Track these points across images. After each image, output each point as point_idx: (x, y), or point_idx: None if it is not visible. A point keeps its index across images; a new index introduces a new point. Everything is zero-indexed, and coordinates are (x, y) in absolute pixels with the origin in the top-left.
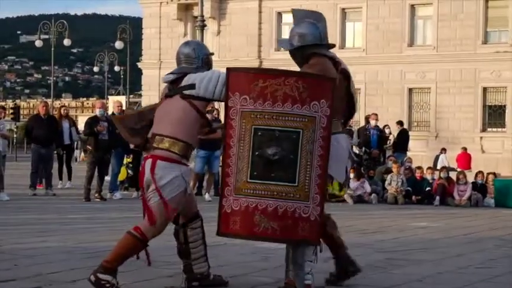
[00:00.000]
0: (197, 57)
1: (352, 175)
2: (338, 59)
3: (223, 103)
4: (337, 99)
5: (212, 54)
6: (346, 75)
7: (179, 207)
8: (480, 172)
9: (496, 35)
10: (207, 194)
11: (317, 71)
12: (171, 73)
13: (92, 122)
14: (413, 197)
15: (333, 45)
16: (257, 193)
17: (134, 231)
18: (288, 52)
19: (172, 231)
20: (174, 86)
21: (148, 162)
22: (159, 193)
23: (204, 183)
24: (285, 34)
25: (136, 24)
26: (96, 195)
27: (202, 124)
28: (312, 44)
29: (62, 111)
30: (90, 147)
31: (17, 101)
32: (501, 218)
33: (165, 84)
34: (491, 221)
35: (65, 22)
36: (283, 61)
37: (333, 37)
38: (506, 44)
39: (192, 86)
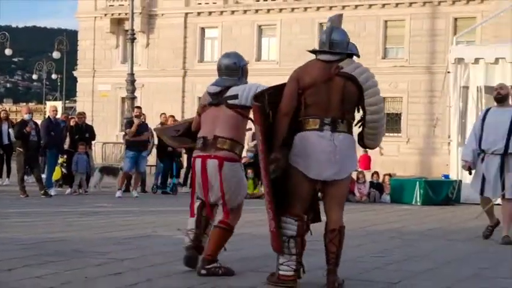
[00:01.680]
0: (237, 69)
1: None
2: (339, 64)
3: None
4: (318, 97)
5: (247, 63)
6: (348, 78)
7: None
8: (375, 172)
9: (394, 51)
10: (134, 191)
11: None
12: (215, 85)
13: (21, 125)
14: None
15: (339, 53)
16: None
17: (222, 225)
18: (210, 63)
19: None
20: (218, 96)
21: (214, 162)
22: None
23: (132, 181)
24: (207, 48)
25: (72, 36)
26: (42, 192)
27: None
28: (318, 50)
29: (1, 114)
30: (20, 149)
31: None
32: (395, 213)
33: (206, 92)
34: (387, 215)
35: (6, 33)
36: (206, 71)
37: (250, 51)
38: (402, 59)
39: (235, 97)
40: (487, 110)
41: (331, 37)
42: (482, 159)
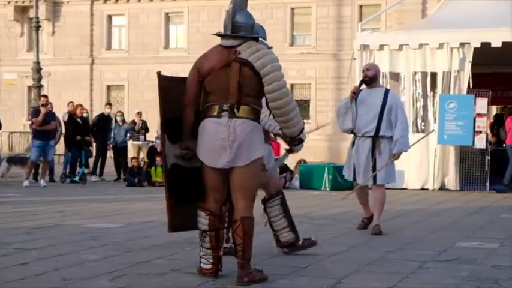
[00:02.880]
0: None
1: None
2: (237, 49)
3: None
4: (217, 83)
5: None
6: (245, 64)
7: None
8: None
9: (301, 38)
10: (42, 180)
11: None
12: None
13: None
14: None
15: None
16: None
17: None
18: (118, 51)
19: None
20: None
21: None
22: None
23: (40, 171)
24: (115, 35)
25: None
26: None
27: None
28: (222, 34)
29: None
30: None
31: None
32: (305, 198)
33: None
34: (296, 201)
35: None
36: (114, 59)
37: (158, 39)
38: (309, 46)
39: None
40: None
41: (234, 20)
42: (353, 143)
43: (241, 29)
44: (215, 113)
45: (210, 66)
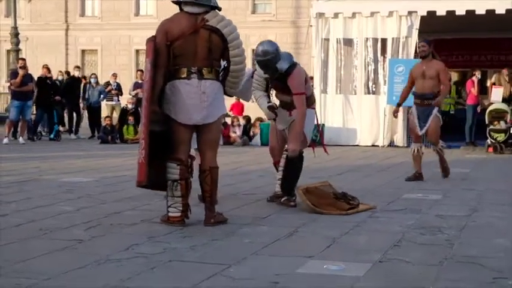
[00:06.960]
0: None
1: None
2: (205, 17)
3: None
4: (185, 47)
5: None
6: (213, 31)
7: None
8: (246, 116)
9: (262, 6)
10: (21, 137)
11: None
12: None
13: None
14: None
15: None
16: None
17: None
18: (92, 17)
19: None
20: None
21: None
22: None
23: (19, 129)
24: (88, 2)
25: None
26: None
27: None
28: (184, 1)
29: None
30: None
31: None
32: (265, 154)
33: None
34: (257, 156)
35: None
36: (88, 25)
37: (128, 6)
38: (270, 14)
39: None
40: None
41: None
42: None
43: None
44: (184, 75)
45: (180, 31)
